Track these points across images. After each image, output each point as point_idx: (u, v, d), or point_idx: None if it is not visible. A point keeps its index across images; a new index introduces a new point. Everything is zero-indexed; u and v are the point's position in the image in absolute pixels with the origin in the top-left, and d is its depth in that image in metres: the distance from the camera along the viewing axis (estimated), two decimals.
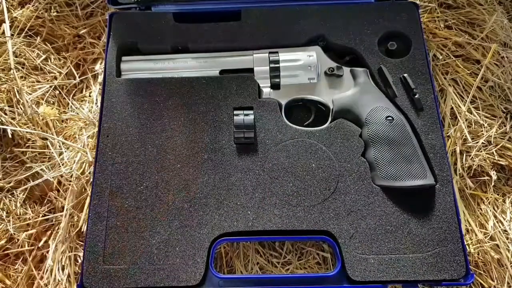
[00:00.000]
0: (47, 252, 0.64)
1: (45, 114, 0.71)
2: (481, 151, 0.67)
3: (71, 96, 0.77)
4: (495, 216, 0.65)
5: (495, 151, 0.67)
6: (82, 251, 0.57)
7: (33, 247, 0.65)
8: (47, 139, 0.70)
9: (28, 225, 0.66)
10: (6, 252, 0.65)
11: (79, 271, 0.57)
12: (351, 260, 0.55)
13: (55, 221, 0.66)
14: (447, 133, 0.69)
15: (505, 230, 0.63)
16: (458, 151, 0.67)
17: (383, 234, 0.56)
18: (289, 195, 0.58)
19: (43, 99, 0.74)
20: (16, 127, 0.69)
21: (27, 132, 0.69)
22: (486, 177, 0.67)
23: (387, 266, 0.54)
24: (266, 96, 0.64)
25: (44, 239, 0.65)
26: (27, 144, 0.70)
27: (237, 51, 0.67)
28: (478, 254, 0.62)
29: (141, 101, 0.64)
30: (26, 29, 0.79)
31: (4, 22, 0.75)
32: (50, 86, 0.75)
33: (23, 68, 0.76)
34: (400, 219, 0.57)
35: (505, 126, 0.70)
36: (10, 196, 0.67)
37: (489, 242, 0.62)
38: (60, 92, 0.76)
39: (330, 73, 0.64)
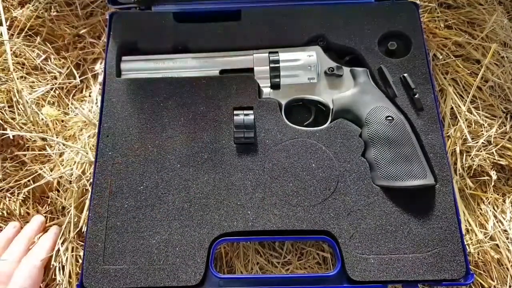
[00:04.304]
0: None
1: (47, 115, 0.71)
2: (481, 151, 0.67)
3: (71, 96, 0.76)
4: (495, 216, 0.65)
5: (495, 151, 0.67)
6: (82, 251, 0.57)
7: None
8: (47, 139, 0.70)
9: None
10: None
11: (79, 271, 0.57)
12: (351, 260, 0.55)
13: (55, 221, 0.66)
14: (447, 133, 0.69)
15: (505, 230, 0.63)
16: (458, 151, 0.67)
17: (383, 234, 0.56)
18: (289, 195, 0.58)
19: (44, 100, 0.74)
20: (16, 127, 0.69)
21: (27, 133, 0.69)
22: (486, 177, 0.67)
23: (387, 266, 0.54)
24: (266, 96, 0.64)
25: None
26: (27, 145, 0.70)
27: (237, 51, 0.67)
28: (478, 254, 0.62)
29: (141, 101, 0.64)
30: (26, 29, 0.79)
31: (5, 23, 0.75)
32: (51, 88, 0.75)
33: (23, 68, 0.76)
34: (400, 219, 0.57)
35: (505, 126, 0.70)
36: (10, 196, 0.67)
37: (489, 242, 0.62)
38: (60, 93, 0.76)
39: (330, 73, 0.64)
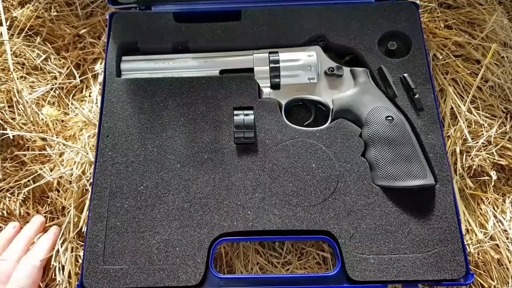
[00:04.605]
0: None
1: (47, 115, 0.71)
2: (481, 151, 0.67)
3: (71, 96, 0.77)
4: (495, 216, 0.65)
5: (495, 151, 0.67)
6: (82, 251, 0.57)
7: None
8: (47, 139, 0.70)
9: None
10: None
11: (79, 271, 0.57)
12: (351, 260, 0.55)
13: (55, 221, 0.66)
14: (447, 133, 0.69)
15: (505, 230, 0.63)
16: (458, 151, 0.67)
17: (383, 234, 0.56)
18: (289, 195, 0.58)
19: (44, 100, 0.74)
20: (16, 127, 0.69)
21: (27, 133, 0.69)
22: (486, 177, 0.67)
23: (387, 266, 0.54)
24: (266, 96, 0.64)
25: None
26: (27, 145, 0.70)
27: (237, 51, 0.67)
28: (478, 254, 0.62)
29: (141, 101, 0.64)
30: (26, 29, 0.79)
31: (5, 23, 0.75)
32: (51, 88, 0.75)
33: (23, 68, 0.76)
34: (400, 219, 0.57)
35: (505, 126, 0.70)
36: (10, 196, 0.67)
37: (489, 242, 0.62)
38: (60, 93, 0.76)
39: (330, 73, 0.64)
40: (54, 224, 0.65)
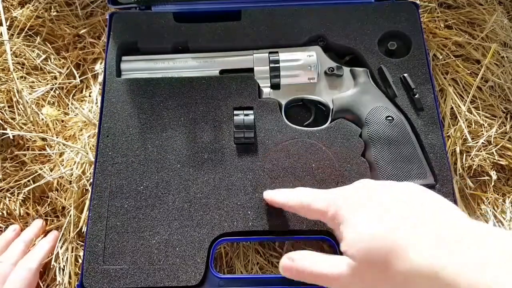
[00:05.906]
0: None
1: (47, 115, 0.71)
2: (481, 151, 0.67)
3: (71, 96, 0.77)
4: (495, 216, 0.65)
5: (495, 151, 0.67)
6: (82, 251, 0.57)
7: None
8: (47, 139, 0.70)
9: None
10: None
11: (79, 271, 0.57)
12: None
13: (55, 221, 0.66)
14: (447, 133, 0.69)
15: None
16: (458, 151, 0.67)
17: None
18: None
19: (44, 100, 0.74)
20: (16, 127, 0.69)
21: (27, 133, 0.69)
22: (486, 177, 0.67)
23: None
24: (266, 96, 0.64)
25: None
26: (27, 145, 0.70)
27: (237, 51, 0.67)
28: None
29: (141, 101, 0.64)
30: (26, 29, 0.79)
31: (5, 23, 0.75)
32: (51, 88, 0.75)
33: (23, 68, 0.76)
34: None
35: (505, 126, 0.70)
36: (10, 196, 0.67)
37: None
38: (60, 93, 0.76)
39: (330, 73, 0.64)
40: (54, 225, 0.65)
